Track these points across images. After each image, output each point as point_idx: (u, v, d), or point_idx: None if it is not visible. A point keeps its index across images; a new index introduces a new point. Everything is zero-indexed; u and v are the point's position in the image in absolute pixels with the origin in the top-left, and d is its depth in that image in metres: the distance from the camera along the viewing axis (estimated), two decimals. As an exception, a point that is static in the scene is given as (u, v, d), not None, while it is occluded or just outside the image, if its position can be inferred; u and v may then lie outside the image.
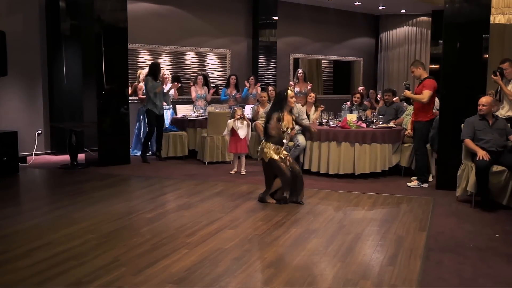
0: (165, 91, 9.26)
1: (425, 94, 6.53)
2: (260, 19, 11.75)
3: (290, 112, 5.98)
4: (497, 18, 10.31)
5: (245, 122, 7.60)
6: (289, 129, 5.90)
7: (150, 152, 9.08)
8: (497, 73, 6.28)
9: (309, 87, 10.06)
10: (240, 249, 4.24)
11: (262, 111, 8.62)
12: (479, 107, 5.83)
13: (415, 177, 6.96)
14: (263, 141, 5.91)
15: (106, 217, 5.17)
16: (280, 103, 5.87)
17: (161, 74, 8.68)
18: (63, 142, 8.52)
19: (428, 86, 6.58)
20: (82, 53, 8.56)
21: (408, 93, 6.70)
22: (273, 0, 11.87)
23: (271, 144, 5.81)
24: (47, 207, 5.74)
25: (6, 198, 6.12)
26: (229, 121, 7.61)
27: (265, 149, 5.82)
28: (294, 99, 5.93)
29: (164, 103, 9.36)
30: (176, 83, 9.18)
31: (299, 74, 10.42)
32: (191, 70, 10.96)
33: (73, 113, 8.96)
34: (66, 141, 8.14)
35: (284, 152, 5.94)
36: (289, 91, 5.82)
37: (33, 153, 8.82)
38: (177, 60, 10.76)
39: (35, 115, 8.95)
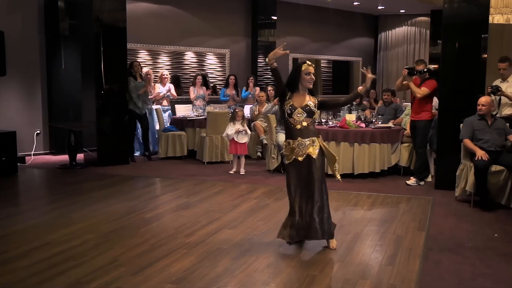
0: (164, 91, 9.25)
1: (423, 91, 6.63)
2: (259, 19, 11.75)
3: (311, 93, 4.30)
4: (495, 18, 10.30)
5: (246, 133, 7.59)
6: (298, 110, 4.16)
7: (138, 152, 9.08)
8: (498, 91, 6.26)
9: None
10: (239, 249, 4.24)
11: (261, 110, 8.63)
12: (479, 107, 5.84)
13: (414, 176, 7.01)
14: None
15: (105, 217, 5.17)
16: (291, 78, 4.30)
17: (139, 72, 8.60)
18: (62, 142, 8.51)
19: (428, 85, 6.64)
20: (81, 53, 8.56)
21: (411, 84, 6.70)
22: (272, 0, 11.86)
23: (285, 141, 4.36)
24: (46, 207, 5.74)
25: (5, 198, 6.11)
26: (229, 131, 7.53)
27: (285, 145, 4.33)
28: (310, 76, 4.18)
29: (165, 103, 9.36)
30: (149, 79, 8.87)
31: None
32: (190, 70, 10.96)
33: (72, 113, 8.95)
34: (65, 141, 8.14)
35: (301, 150, 4.19)
36: (304, 65, 4.21)
37: (32, 153, 8.81)
38: (176, 60, 10.75)
39: (34, 115, 8.94)
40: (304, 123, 4.18)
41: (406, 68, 6.82)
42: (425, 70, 6.73)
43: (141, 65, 8.84)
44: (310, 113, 4.18)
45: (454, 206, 5.82)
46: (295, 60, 12.95)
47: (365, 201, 6.03)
